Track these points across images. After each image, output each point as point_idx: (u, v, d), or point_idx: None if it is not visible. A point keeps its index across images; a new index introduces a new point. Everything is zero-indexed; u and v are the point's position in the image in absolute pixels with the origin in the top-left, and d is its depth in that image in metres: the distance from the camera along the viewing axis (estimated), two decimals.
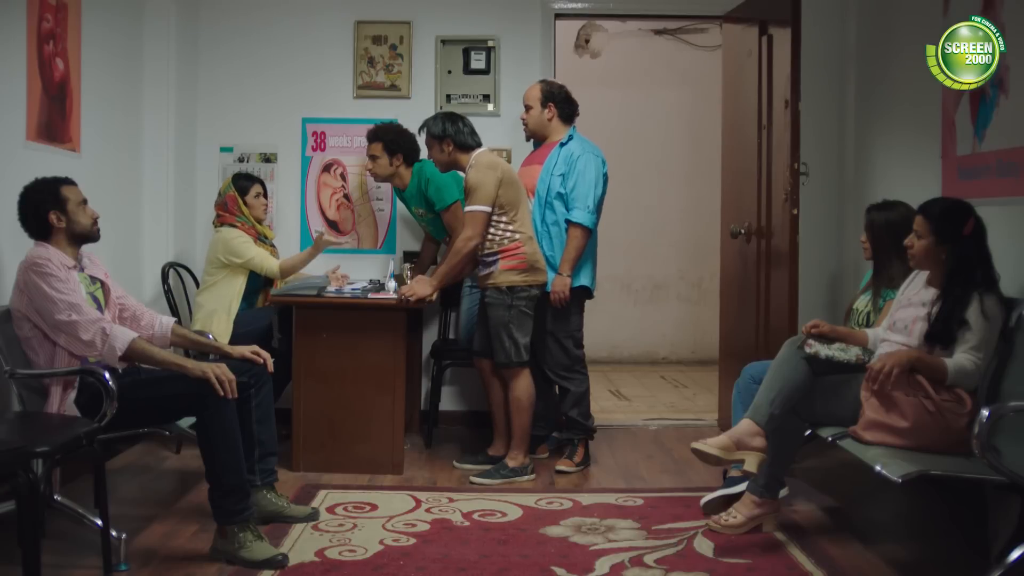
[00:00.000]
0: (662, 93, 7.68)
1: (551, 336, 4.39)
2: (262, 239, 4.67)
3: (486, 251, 4.19)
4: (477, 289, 4.56)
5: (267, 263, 4.56)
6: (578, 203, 4.32)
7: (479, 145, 4.29)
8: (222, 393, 3.08)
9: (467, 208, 4.18)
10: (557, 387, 4.55)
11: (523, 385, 4.25)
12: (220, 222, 4.63)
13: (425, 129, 4.33)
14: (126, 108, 4.68)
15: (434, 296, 4.28)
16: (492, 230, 4.18)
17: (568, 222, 4.33)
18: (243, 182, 4.67)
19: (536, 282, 4.22)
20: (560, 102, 4.48)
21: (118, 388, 3.03)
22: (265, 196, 4.77)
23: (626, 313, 7.74)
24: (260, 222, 4.71)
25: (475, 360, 4.45)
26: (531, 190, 4.43)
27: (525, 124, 4.55)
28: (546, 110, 4.47)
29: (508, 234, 4.17)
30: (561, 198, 4.35)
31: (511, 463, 4.23)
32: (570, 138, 4.46)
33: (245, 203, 4.63)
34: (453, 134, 4.24)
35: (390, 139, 4.66)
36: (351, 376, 4.22)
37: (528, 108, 4.52)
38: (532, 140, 4.63)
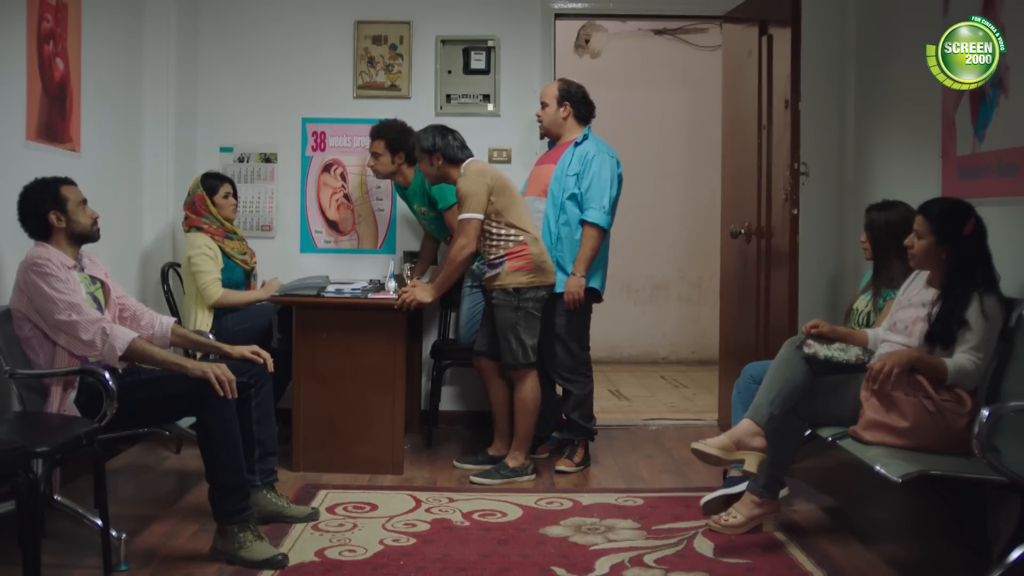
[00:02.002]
0: (662, 93, 7.68)
1: (557, 338, 4.37)
2: (231, 236, 4.61)
3: (492, 256, 4.19)
4: (477, 289, 4.56)
5: (208, 288, 4.45)
6: (593, 203, 4.29)
7: (468, 157, 4.28)
8: (222, 393, 3.08)
9: (460, 216, 4.18)
10: (560, 388, 4.54)
11: (530, 387, 4.24)
12: (188, 224, 4.56)
13: (416, 142, 4.33)
14: (126, 108, 4.68)
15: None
16: (495, 236, 4.18)
17: (583, 222, 4.31)
18: (212, 181, 4.59)
19: (544, 283, 4.21)
20: (576, 102, 4.46)
21: (118, 388, 3.03)
22: (235, 196, 4.68)
23: (626, 313, 7.73)
24: (229, 222, 4.64)
25: (475, 359, 4.45)
26: (544, 189, 4.41)
27: (540, 122, 4.54)
28: (562, 109, 4.44)
29: (512, 236, 4.17)
30: (574, 199, 4.33)
31: (511, 463, 4.23)
32: (585, 138, 4.43)
33: (213, 203, 4.56)
34: (443, 148, 4.23)
35: (392, 137, 4.65)
36: (351, 376, 4.22)
37: (544, 106, 4.49)
38: (547, 139, 4.62)
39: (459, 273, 4.28)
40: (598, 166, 4.33)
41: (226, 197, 4.62)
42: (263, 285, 4.68)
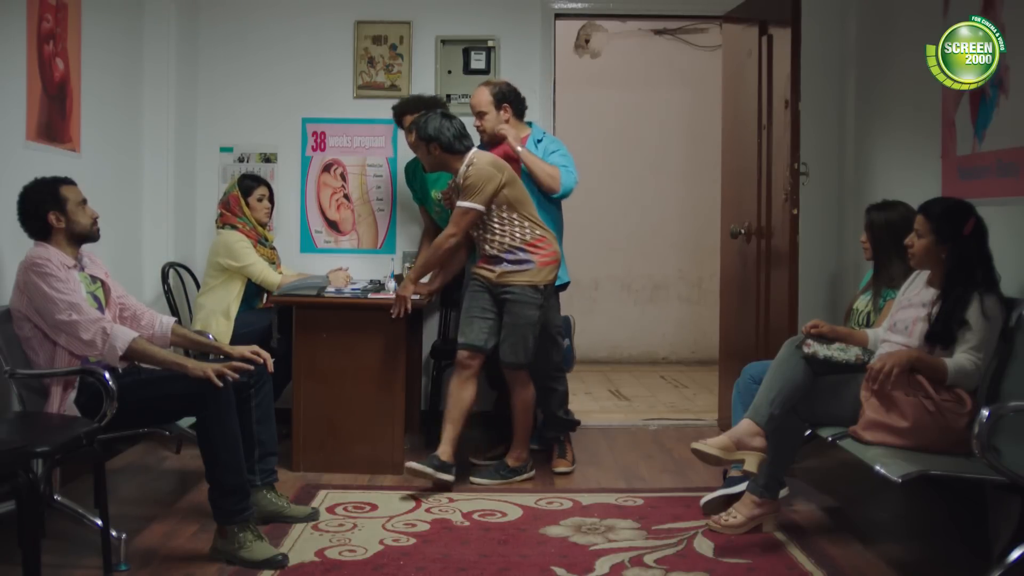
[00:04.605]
0: (662, 93, 7.67)
1: (550, 337, 4.29)
2: (262, 242, 4.65)
3: (508, 246, 4.06)
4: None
5: (267, 275, 4.50)
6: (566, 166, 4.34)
7: (467, 148, 4.11)
8: (220, 385, 3.08)
9: (460, 203, 4.04)
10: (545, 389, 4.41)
11: (530, 387, 4.22)
12: (222, 222, 4.61)
13: (415, 128, 4.20)
14: (126, 108, 4.67)
15: (432, 297, 4.29)
16: (511, 226, 4.05)
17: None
18: (248, 182, 4.65)
19: (557, 280, 4.23)
20: (513, 100, 4.39)
21: (118, 388, 3.03)
22: (271, 200, 4.72)
23: (626, 313, 7.74)
24: (263, 225, 4.68)
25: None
26: None
27: (482, 131, 4.38)
28: (501, 112, 4.36)
29: (528, 228, 4.08)
30: (545, 194, 4.31)
31: (511, 462, 4.21)
32: (544, 133, 4.47)
33: (247, 204, 4.61)
34: (437, 136, 4.08)
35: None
36: (351, 376, 4.22)
37: (482, 115, 4.35)
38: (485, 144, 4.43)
39: (438, 261, 4.17)
40: (556, 147, 4.39)
41: (260, 200, 4.65)
42: (332, 272, 4.65)
